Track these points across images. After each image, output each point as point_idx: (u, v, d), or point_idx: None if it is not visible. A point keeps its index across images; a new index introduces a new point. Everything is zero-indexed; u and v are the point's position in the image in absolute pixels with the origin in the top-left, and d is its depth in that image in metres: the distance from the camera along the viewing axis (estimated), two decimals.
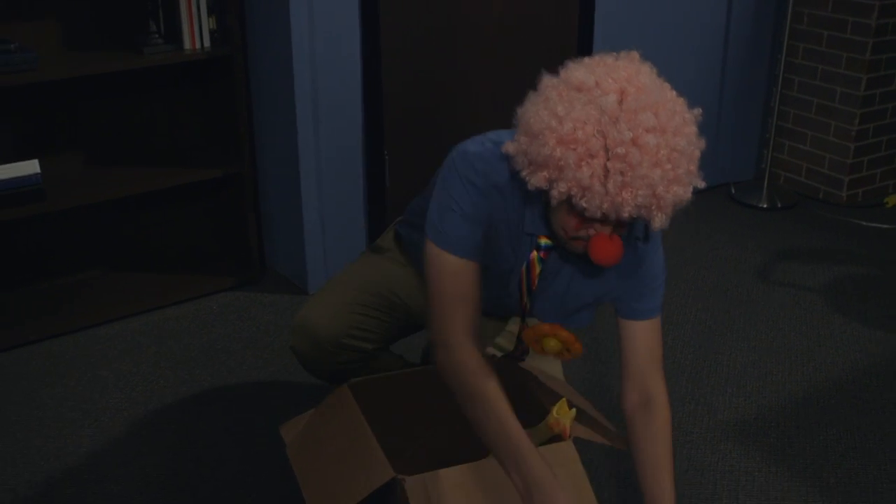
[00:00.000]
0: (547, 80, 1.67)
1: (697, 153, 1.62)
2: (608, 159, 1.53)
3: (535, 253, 1.82)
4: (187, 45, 2.94)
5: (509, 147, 1.68)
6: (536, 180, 1.61)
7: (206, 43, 2.97)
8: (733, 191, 4.13)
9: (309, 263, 3.18)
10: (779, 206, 4.01)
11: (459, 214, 1.75)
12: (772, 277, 3.40)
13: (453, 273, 1.76)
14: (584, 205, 1.56)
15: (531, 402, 1.91)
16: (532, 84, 1.69)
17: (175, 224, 3.36)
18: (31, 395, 2.63)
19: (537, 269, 1.84)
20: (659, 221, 1.60)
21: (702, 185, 1.65)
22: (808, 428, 2.51)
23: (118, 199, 3.04)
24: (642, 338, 1.86)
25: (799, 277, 3.40)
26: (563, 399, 1.77)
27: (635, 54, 1.69)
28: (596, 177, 1.53)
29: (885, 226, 3.85)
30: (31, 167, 2.78)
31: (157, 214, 3.31)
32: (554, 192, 1.59)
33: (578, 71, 1.63)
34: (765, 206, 4.01)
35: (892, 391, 2.68)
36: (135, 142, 3.18)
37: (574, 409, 1.77)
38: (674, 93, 1.65)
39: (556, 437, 1.79)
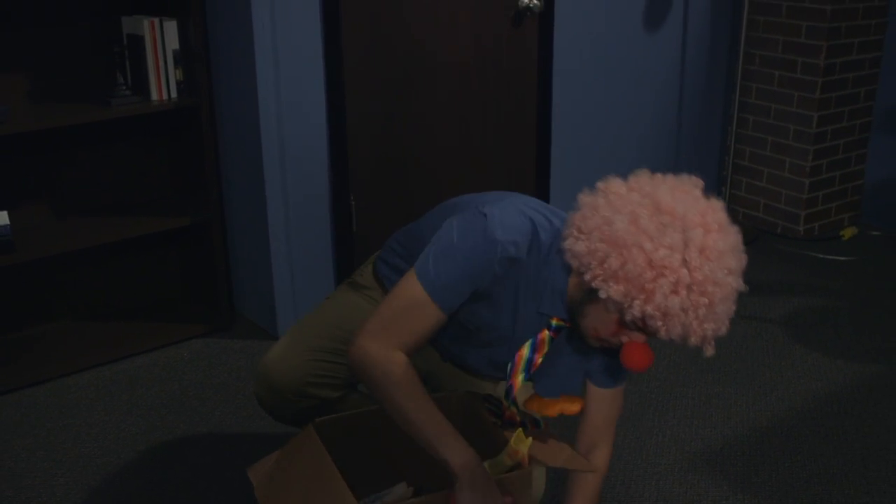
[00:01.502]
0: (623, 191, 1.71)
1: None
2: (690, 293, 1.60)
3: (545, 332, 1.85)
4: (154, 96, 2.99)
5: (575, 246, 1.68)
6: (613, 292, 1.63)
7: (173, 94, 3.01)
8: None
9: (278, 309, 3.21)
10: None
11: (461, 269, 1.75)
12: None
13: (420, 312, 1.78)
14: (660, 328, 1.62)
15: (489, 434, 1.94)
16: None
17: (144, 272, 3.38)
18: (2, 445, 2.62)
19: (545, 349, 1.87)
20: (711, 349, 1.68)
21: None
22: (773, 456, 2.57)
23: (87, 248, 3.06)
24: (607, 403, 2.00)
25: (760, 310, 3.47)
26: (519, 429, 1.82)
27: (699, 182, 1.75)
28: (682, 308, 1.60)
29: (841, 258, 3.95)
30: (0, 219, 2.80)
31: (127, 263, 3.33)
32: (633, 310, 1.62)
33: (663, 193, 1.68)
34: None
35: (852, 418, 2.75)
36: (103, 192, 3.21)
37: (530, 438, 1.82)
38: (734, 229, 1.71)
39: (517, 466, 1.83)
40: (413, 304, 1.77)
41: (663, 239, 1.61)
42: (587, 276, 1.67)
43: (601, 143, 3.89)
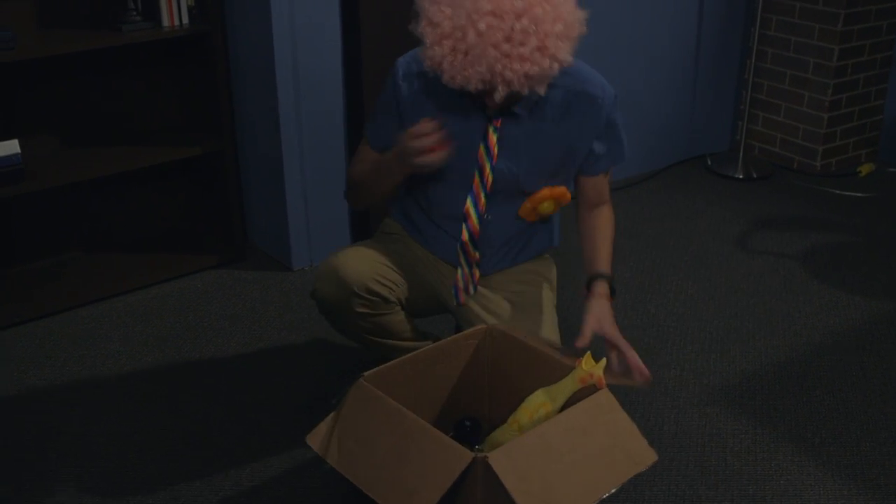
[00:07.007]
0: None
1: (557, 28, 1.79)
2: (456, 40, 1.78)
3: (490, 127, 2.01)
4: (166, 22, 2.92)
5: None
6: (422, 53, 1.87)
7: (185, 20, 2.95)
8: (709, 162, 4.17)
9: (292, 240, 3.18)
10: (754, 176, 4.06)
11: (379, 107, 2.12)
12: (750, 246, 3.44)
13: (364, 152, 2.18)
14: (443, 77, 1.84)
15: (547, 363, 1.93)
16: None
17: (156, 203, 3.35)
18: (18, 376, 2.62)
19: (494, 138, 2.01)
20: (497, 96, 1.82)
21: (569, 60, 1.84)
22: (792, 390, 2.56)
23: (98, 178, 3.02)
24: (593, 185, 2.18)
25: (776, 245, 3.44)
26: (588, 353, 1.82)
27: None
28: (445, 56, 1.80)
29: (858, 194, 3.91)
30: (11, 147, 2.76)
31: (138, 193, 3.29)
32: (425, 64, 1.87)
33: None
34: (740, 176, 4.06)
35: (871, 354, 2.74)
36: (114, 121, 3.16)
37: (603, 359, 1.83)
38: None
39: (589, 389, 1.83)
40: (360, 148, 2.22)
41: None
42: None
43: (616, 75, 3.82)
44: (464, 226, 2.11)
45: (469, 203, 2.08)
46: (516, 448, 1.64)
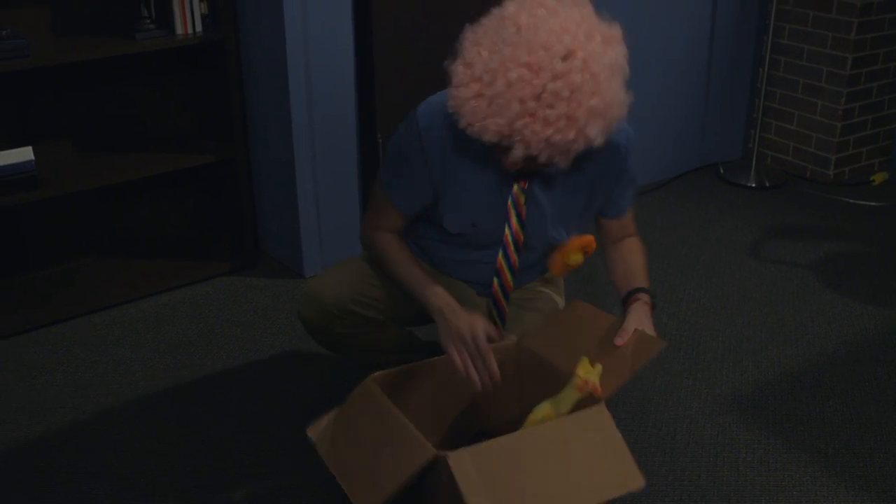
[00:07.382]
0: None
1: (593, 102, 1.69)
2: (484, 84, 1.69)
3: (515, 186, 1.94)
4: (179, 30, 2.94)
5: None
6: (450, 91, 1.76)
7: (198, 28, 2.96)
8: (722, 170, 4.16)
9: (304, 247, 3.19)
10: (767, 185, 4.05)
11: (396, 160, 1.97)
12: (763, 255, 3.43)
13: (387, 211, 2.04)
14: (461, 121, 1.74)
15: (551, 376, 1.91)
16: None
17: (169, 210, 3.36)
18: (30, 382, 2.63)
19: (522, 199, 1.95)
20: (515, 155, 1.71)
21: (599, 141, 1.73)
22: (805, 400, 2.55)
23: (111, 185, 3.03)
24: (618, 225, 2.14)
25: (789, 255, 3.43)
26: (584, 358, 1.77)
27: None
28: (469, 99, 1.70)
29: (871, 203, 3.89)
30: (25, 154, 2.77)
31: (150, 200, 3.30)
32: (449, 103, 1.76)
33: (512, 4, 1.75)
34: (753, 185, 4.05)
35: (884, 364, 2.72)
36: (127, 127, 3.17)
37: (599, 365, 1.76)
38: (585, 25, 1.75)
39: (587, 399, 1.78)
40: (380, 204, 2.05)
41: (482, 40, 1.72)
42: None
43: (629, 84, 3.81)
44: (496, 280, 2.06)
45: (501, 257, 2.02)
46: (484, 451, 1.63)
